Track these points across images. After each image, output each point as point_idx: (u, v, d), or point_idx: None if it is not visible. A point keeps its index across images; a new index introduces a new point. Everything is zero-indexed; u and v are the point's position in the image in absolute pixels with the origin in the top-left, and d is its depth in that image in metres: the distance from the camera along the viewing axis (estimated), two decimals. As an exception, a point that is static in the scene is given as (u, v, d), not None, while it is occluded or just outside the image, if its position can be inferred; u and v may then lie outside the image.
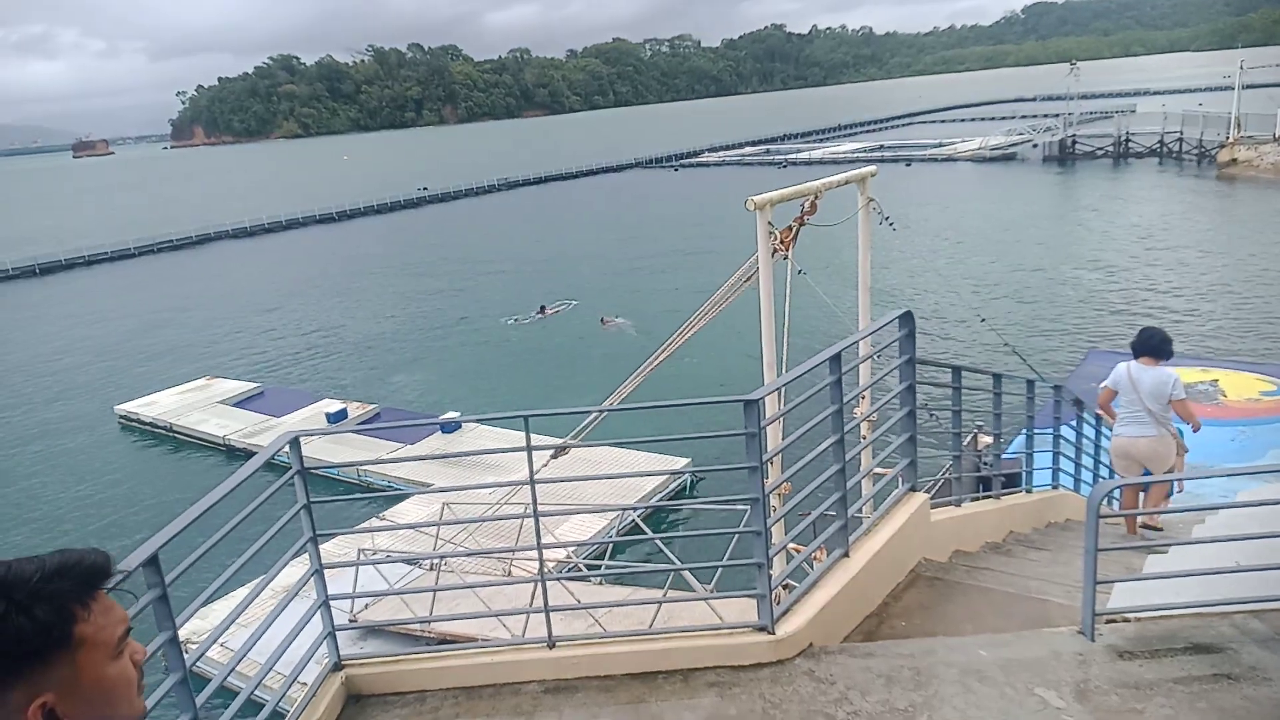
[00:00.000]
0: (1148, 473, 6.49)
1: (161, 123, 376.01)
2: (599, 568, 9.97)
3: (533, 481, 3.80)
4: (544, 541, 3.95)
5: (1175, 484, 7.41)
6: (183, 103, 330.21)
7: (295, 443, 3.68)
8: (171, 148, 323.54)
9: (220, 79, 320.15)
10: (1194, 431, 6.48)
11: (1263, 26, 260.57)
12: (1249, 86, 50.25)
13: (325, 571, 3.89)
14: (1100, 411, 6.60)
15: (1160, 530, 6.67)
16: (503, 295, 36.63)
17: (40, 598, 1.11)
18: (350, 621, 9.98)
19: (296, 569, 4.50)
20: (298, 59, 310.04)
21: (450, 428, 19.91)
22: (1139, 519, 6.59)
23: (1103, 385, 6.45)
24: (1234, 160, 48.67)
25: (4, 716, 1.10)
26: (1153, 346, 6.20)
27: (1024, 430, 7.49)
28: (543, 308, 32.87)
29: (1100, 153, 61.89)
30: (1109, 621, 3.79)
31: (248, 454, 20.28)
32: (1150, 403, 6.13)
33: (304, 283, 43.86)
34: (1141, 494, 6.86)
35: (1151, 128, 60.73)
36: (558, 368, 26.19)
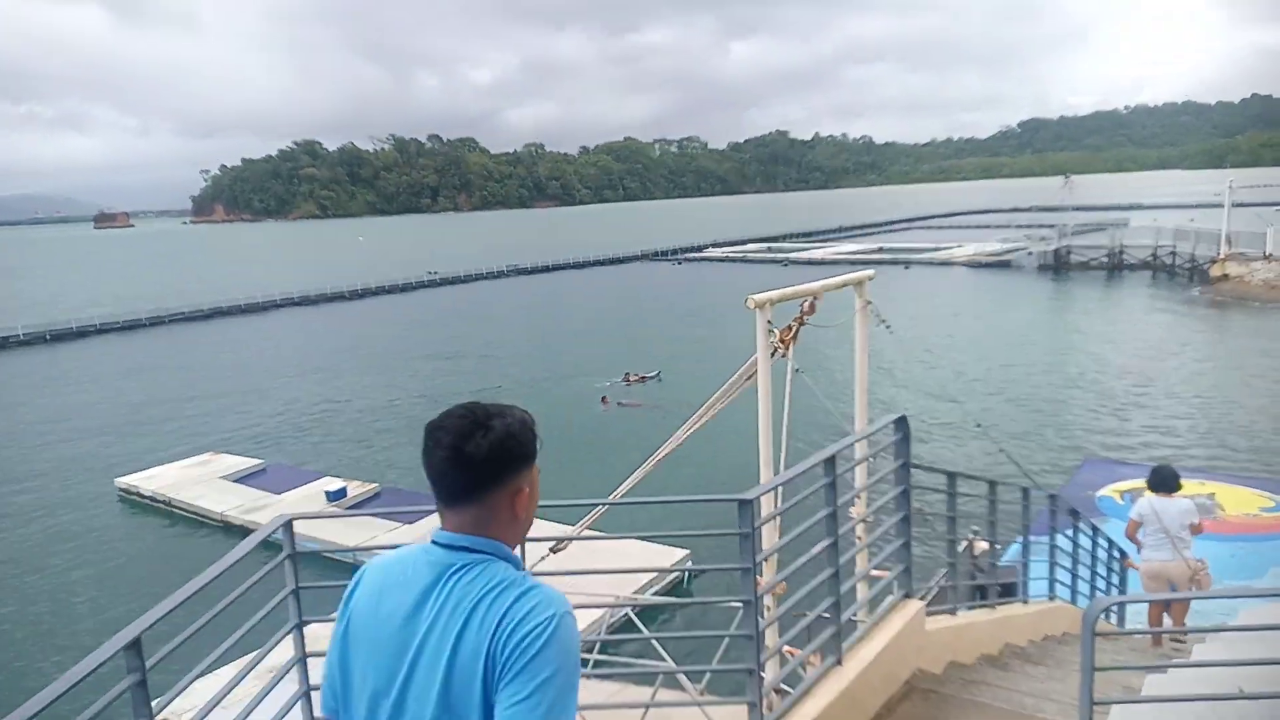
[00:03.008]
0: (1173, 587, 7.23)
1: (183, 199, 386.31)
2: (587, 664, 9.70)
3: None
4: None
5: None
6: (206, 180, 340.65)
7: (288, 525, 3.69)
8: (191, 223, 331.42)
9: (244, 159, 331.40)
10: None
11: (1250, 149, 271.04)
12: (1238, 205, 51.76)
13: (309, 660, 3.82)
14: (1130, 539, 7.44)
15: (1184, 643, 6.87)
16: (505, 376, 36.82)
17: (532, 430, 1.86)
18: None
19: (282, 652, 4.42)
20: (320, 144, 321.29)
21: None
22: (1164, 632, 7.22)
23: (1130, 518, 7.33)
24: (1226, 275, 49.66)
25: (504, 497, 1.78)
26: (1165, 482, 7.16)
27: (1019, 538, 7.44)
28: (628, 375, 33.34)
29: (1094, 263, 63.16)
30: (1106, 743, 3.70)
31: (244, 531, 20.00)
32: (1175, 530, 6.95)
33: (313, 359, 44.16)
34: (1165, 613, 7.50)
35: (1145, 241, 62.14)
36: (558, 450, 26.07)
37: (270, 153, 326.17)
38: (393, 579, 1.75)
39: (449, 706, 1.59)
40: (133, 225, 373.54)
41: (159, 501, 23.31)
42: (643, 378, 33.22)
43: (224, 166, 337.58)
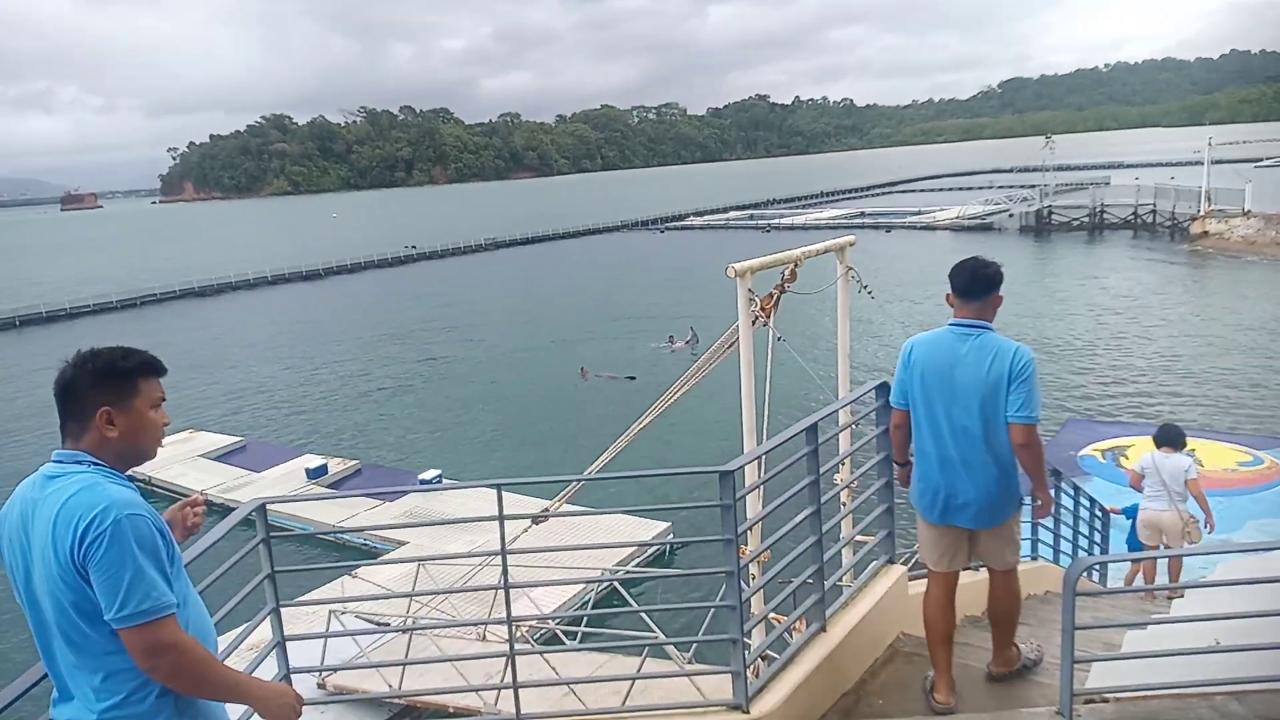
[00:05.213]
0: (1153, 546, 7.69)
1: (152, 178, 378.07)
2: (575, 635, 9.74)
3: (504, 551, 3.74)
4: (519, 607, 3.86)
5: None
6: (174, 158, 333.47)
7: (261, 510, 3.61)
8: (160, 202, 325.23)
9: (212, 136, 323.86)
10: (1208, 528, 7.45)
11: (1229, 105, 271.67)
12: (1217, 162, 51.94)
13: (288, 643, 3.77)
14: (1134, 489, 7.93)
15: (1182, 596, 7.04)
16: (488, 351, 36.65)
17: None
18: (319, 686, 9.67)
19: (261, 633, 4.36)
20: (290, 118, 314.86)
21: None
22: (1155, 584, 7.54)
23: (1134, 470, 7.87)
24: (1206, 232, 50.04)
25: (994, 299, 3.84)
26: (1170, 438, 7.59)
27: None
28: (671, 338, 34.13)
29: (1075, 224, 63.35)
30: (1087, 702, 3.73)
31: (224, 509, 19.91)
32: (1171, 484, 7.38)
33: (291, 337, 43.71)
34: (1153, 569, 7.91)
35: (1125, 200, 62.25)
36: (541, 422, 26.04)
37: (239, 128, 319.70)
38: (937, 343, 3.80)
39: (987, 390, 3.63)
40: (101, 206, 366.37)
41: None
42: (687, 341, 33.11)
43: (192, 144, 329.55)
